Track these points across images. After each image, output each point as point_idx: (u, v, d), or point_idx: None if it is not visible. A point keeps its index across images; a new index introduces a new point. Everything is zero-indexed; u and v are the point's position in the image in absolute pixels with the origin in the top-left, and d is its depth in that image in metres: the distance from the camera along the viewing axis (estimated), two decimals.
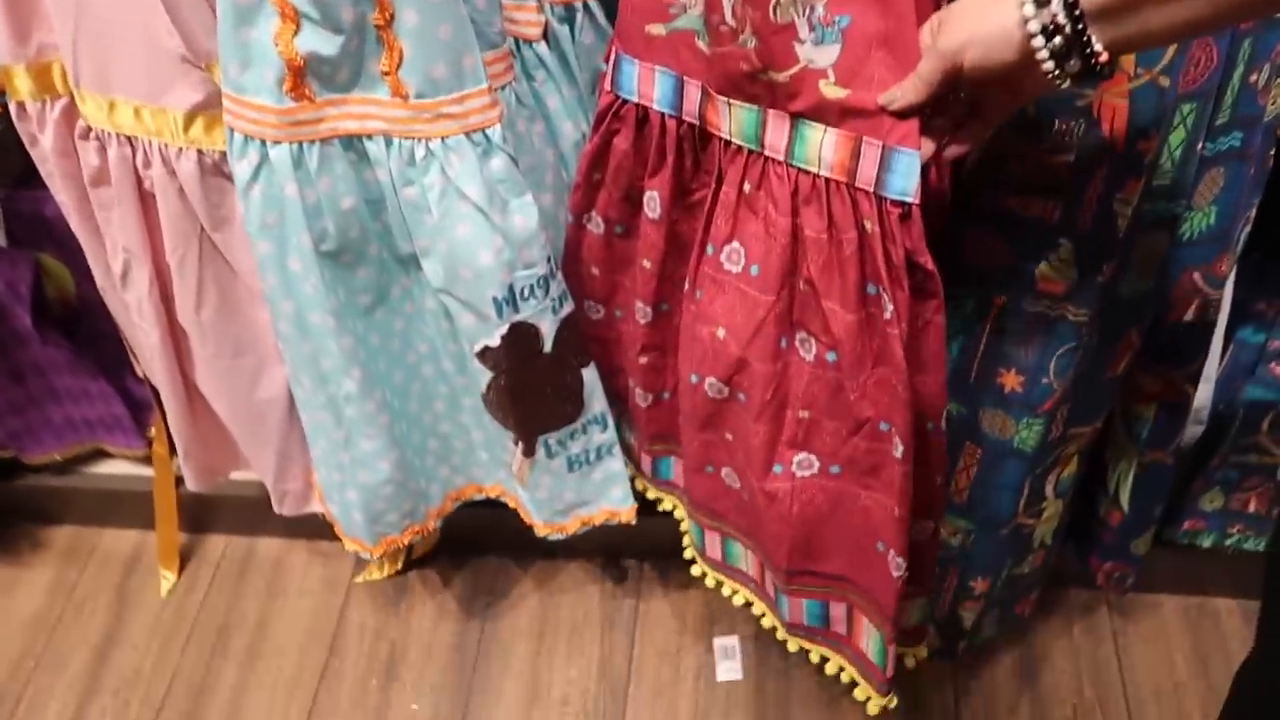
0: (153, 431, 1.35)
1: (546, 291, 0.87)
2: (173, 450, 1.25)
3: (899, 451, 0.77)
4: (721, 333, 0.83)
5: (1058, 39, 0.55)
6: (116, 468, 1.42)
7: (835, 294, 0.74)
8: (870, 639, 0.93)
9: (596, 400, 0.97)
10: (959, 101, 0.65)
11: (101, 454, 1.42)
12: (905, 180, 0.67)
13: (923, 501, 0.81)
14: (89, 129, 0.88)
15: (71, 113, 0.91)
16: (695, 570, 1.09)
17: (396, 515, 1.06)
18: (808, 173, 0.72)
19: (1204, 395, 1.00)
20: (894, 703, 0.96)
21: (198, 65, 0.83)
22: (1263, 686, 0.67)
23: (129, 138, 0.87)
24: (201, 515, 1.41)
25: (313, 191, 0.82)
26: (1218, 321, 0.90)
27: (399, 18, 0.73)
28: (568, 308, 0.91)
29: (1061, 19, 0.54)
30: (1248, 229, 0.84)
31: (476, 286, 0.85)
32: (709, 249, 0.82)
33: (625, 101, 0.80)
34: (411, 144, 0.79)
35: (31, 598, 1.37)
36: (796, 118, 0.71)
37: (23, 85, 0.88)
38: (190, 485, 1.21)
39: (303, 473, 1.15)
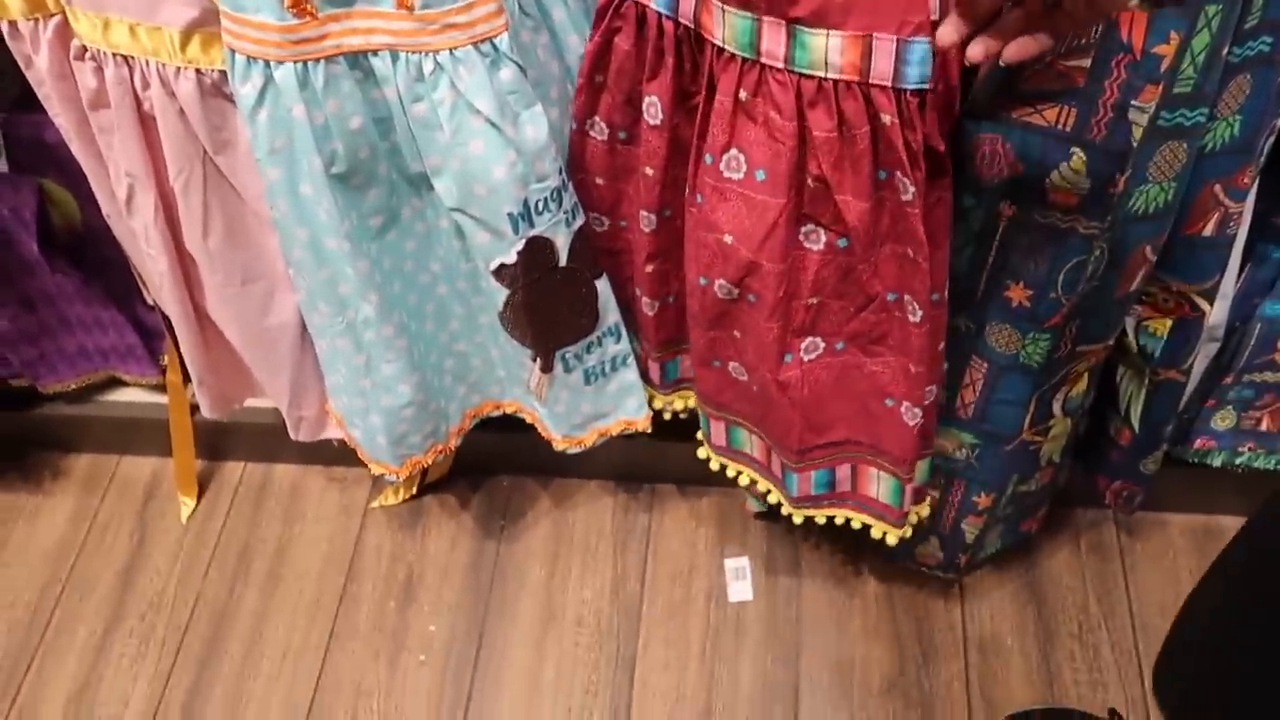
0: (165, 359, 1.36)
1: (560, 204, 0.86)
2: (186, 378, 1.26)
3: (917, 316, 0.82)
4: (729, 239, 0.82)
5: None
6: (132, 395, 1.43)
7: (848, 186, 0.76)
8: (881, 485, 0.99)
9: (610, 312, 0.98)
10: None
11: (117, 382, 1.43)
12: (922, 68, 0.68)
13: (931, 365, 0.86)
14: (84, 48, 0.86)
15: (65, 32, 0.89)
16: (701, 453, 1.10)
17: (419, 436, 1.07)
18: (811, 77, 0.71)
19: (1220, 312, 0.98)
20: (909, 532, 1.03)
21: None
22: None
23: (125, 57, 0.86)
24: (218, 442, 1.43)
25: (320, 113, 0.80)
26: (1237, 236, 0.88)
27: None
28: (580, 219, 0.90)
29: None
30: (1272, 139, 0.82)
31: (491, 203, 0.84)
32: (707, 158, 0.81)
33: (625, 0, 0.78)
34: (419, 58, 0.78)
35: (54, 526, 1.40)
36: (794, 25, 0.69)
37: (13, 3, 0.87)
38: (205, 413, 1.22)
39: (317, 399, 1.16)
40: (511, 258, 0.88)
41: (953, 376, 0.96)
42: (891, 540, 1.03)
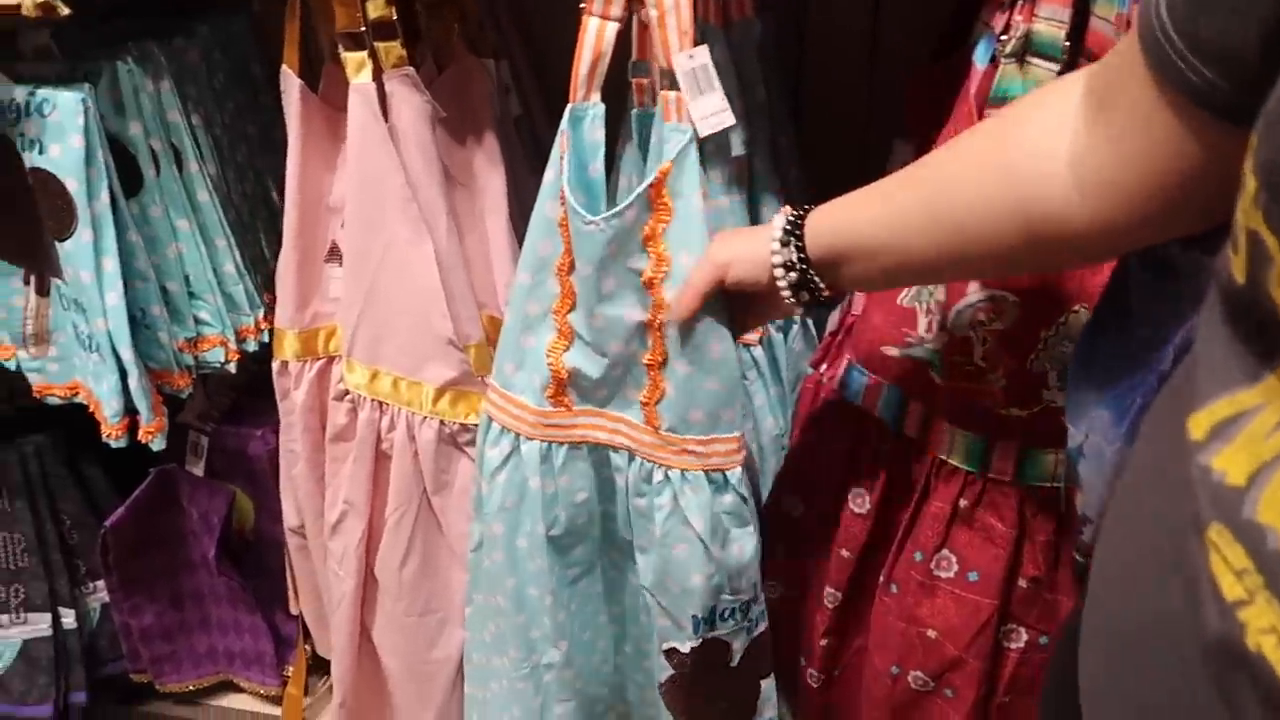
0: (289, 670, 1.36)
1: (746, 614, 0.87)
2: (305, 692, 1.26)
3: None
4: (933, 634, 0.85)
5: (793, 274, 0.67)
6: (242, 702, 1.41)
7: (1065, 585, 0.79)
8: None
9: (768, 708, 0.95)
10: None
11: (225, 687, 1.42)
12: None
13: None
14: (345, 392, 0.96)
15: (324, 374, 1.00)
16: None
17: None
18: (1039, 487, 0.77)
19: None
20: None
21: (459, 347, 0.92)
22: None
23: (381, 403, 0.95)
24: None
25: (553, 484, 0.86)
26: None
27: (670, 364, 0.78)
28: (762, 626, 0.90)
29: (795, 259, 0.67)
30: None
31: (681, 600, 0.85)
32: (916, 555, 0.86)
33: (849, 404, 0.87)
34: (652, 466, 0.83)
35: None
36: (1026, 447, 0.77)
37: (290, 347, 0.98)
38: None
39: None
40: (685, 648, 0.88)
41: None
42: None
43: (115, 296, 0.96)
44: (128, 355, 0.98)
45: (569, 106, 0.76)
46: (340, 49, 0.82)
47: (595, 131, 0.76)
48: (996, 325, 0.74)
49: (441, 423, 0.95)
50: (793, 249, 0.67)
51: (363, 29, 0.80)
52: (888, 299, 0.80)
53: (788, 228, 0.67)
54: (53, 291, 1.03)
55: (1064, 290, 0.71)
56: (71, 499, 1.25)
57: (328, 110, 0.91)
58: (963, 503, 0.81)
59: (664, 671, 0.92)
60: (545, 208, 0.79)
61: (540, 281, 0.81)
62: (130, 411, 1.02)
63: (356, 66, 0.82)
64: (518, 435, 0.86)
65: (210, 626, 1.33)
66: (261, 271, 1.16)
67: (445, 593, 1.05)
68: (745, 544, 0.84)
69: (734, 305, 0.76)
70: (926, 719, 0.89)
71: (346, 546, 1.03)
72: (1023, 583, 0.81)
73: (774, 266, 0.68)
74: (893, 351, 0.81)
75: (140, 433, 1.03)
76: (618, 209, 0.74)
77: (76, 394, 1.08)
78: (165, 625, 1.30)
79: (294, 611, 1.30)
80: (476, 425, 0.95)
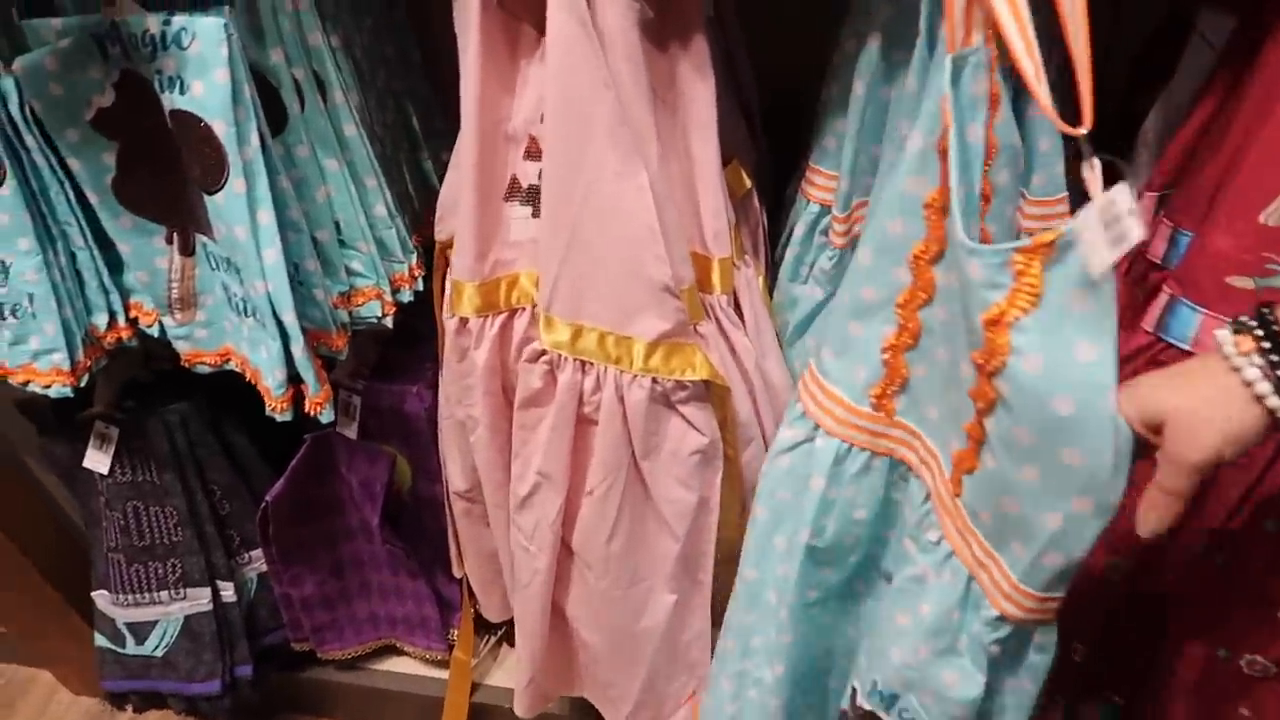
0: (453, 635, 1.29)
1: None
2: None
3: None
4: None
5: None
6: (405, 666, 1.35)
7: None
8: None
9: None
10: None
11: (389, 651, 1.36)
12: None
13: None
14: (541, 352, 0.84)
15: (507, 330, 0.88)
16: None
17: None
18: None
19: None
20: None
21: (675, 294, 0.79)
22: None
23: (584, 363, 0.83)
24: None
25: (835, 491, 0.74)
26: None
27: (985, 451, 0.62)
28: None
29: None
30: None
31: (874, 658, 0.77)
32: (1267, 524, 0.72)
33: (1168, 346, 0.72)
34: (934, 520, 0.70)
35: None
36: None
37: (470, 302, 0.86)
38: (521, 711, 1.11)
39: (657, 699, 1.06)
40: (851, 710, 0.80)
41: None
42: None
43: (274, 254, 0.84)
44: (290, 319, 0.87)
45: (947, 57, 0.56)
46: None
47: (977, 84, 0.57)
48: None
49: (654, 381, 0.82)
50: (1265, 364, 0.50)
51: None
52: (1241, 216, 0.64)
53: (1266, 344, 0.50)
54: (199, 249, 0.92)
55: None
56: (220, 467, 1.17)
57: (506, 20, 0.76)
58: None
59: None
60: (905, 183, 0.61)
61: (883, 267, 0.65)
62: (294, 381, 0.92)
63: None
64: (817, 426, 0.73)
65: (371, 593, 1.26)
66: (409, 210, 1.04)
67: (652, 560, 0.94)
68: (956, 676, 0.69)
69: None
70: (1259, 708, 0.77)
71: (540, 521, 0.92)
72: None
73: (1259, 397, 0.50)
74: (1244, 284, 0.66)
75: (307, 404, 0.92)
76: (997, 250, 0.55)
77: (229, 360, 0.98)
78: (326, 594, 1.23)
79: (457, 574, 1.22)
80: (692, 382, 0.83)
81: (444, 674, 1.31)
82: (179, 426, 1.13)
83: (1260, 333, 0.50)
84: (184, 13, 0.78)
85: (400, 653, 1.34)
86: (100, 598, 1.23)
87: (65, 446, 1.15)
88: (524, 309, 0.87)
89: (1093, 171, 0.51)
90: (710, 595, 1.00)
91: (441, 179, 1.10)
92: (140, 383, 1.17)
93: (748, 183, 0.90)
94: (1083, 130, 0.51)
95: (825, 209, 0.89)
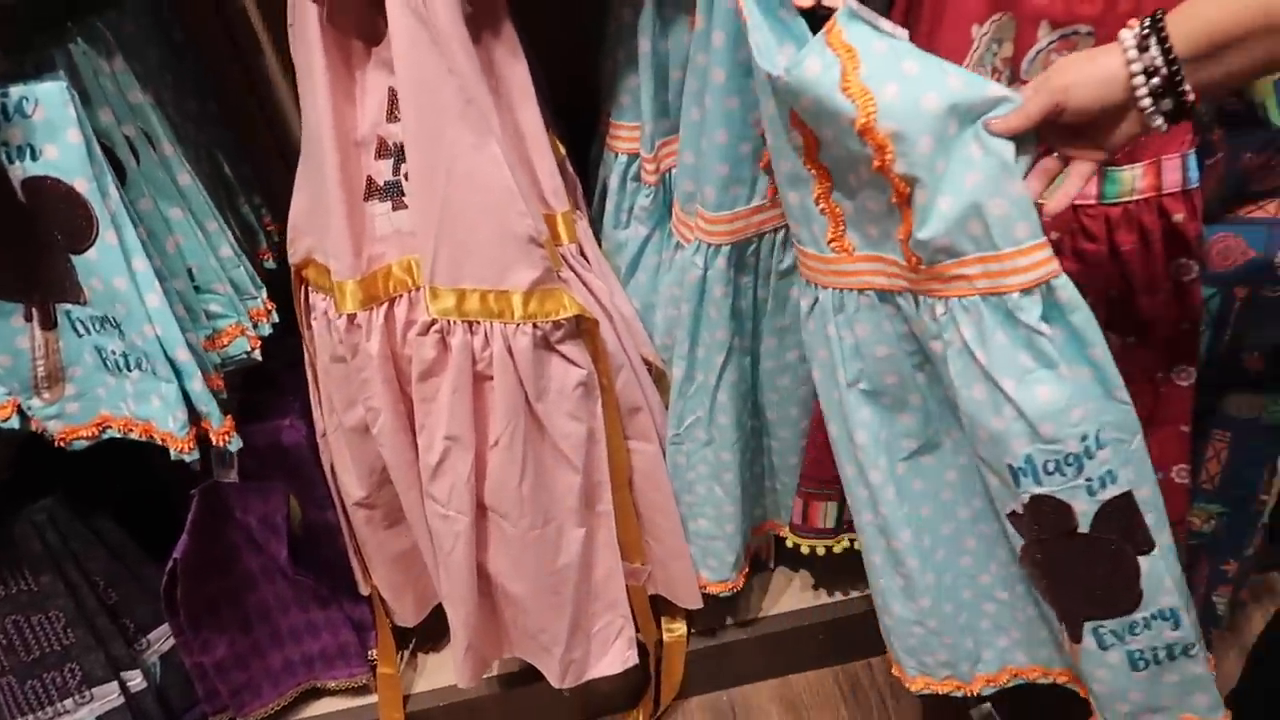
0: (373, 654, 1.32)
1: (1079, 470, 0.80)
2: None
3: (1190, 379, 0.97)
4: None
5: (1156, 79, 0.65)
6: (327, 707, 1.36)
7: (1144, 284, 0.92)
8: None
9: (1163, 594, 0.85)
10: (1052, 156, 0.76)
11: (308, 697, 1.36)
12: (1196, 171, 0.87)
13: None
14: (431, 323, 0.94)
15: (390, 318, 0.97)
16: None
17: (933, 660, 1.02)
18: (1117, 204, 0.88)
19: None
20: None
21: (540, 244, 0.91)
22: None
23: (471, 324, 0.93)
24: None
25: (850, 334, 0.89)
26: None
27: (914, 198, 0.76)
28: (1113, 490, 0.82)
29: (1159, 62, 0.65)
30: None
31: (992, 450, 0.82)
32: None
33: None
34: (933, 302, 0.81)
35: None
36: (1105, 167, 0.82)
37: (354, 297, 0.94)
38: (464, 682, 1.18)
39: (585, 639, 1.16)
40: (1019, 508, 0.84)
41: (1195, 453, 1.09)
42: None
43: (156, 298, 0.88)
44: (184, 356, 0.91)
45: None
46: None
47: None
48: None
49: (535, 325, 0.94)
50: (1155, 50, 0.64)
51: None
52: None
53: (1143, 30, 0.65)
54: (61, 319, 0.93)
55: (1126, 11, 0.80)
56: (97, 557, 1.15)
57: (340, 38, 0.86)
58: (1053, 234, 0.90)
59: (1016, 544, 0.89)
60: (758, 73, 0.79)
61: (782, 138, 0.82)
62: (193, 421, 0.95)
63: None
64: (816, 285, 0.89)
65: (283, 639, 1.27)
66: (246, 250, 1.09)
67: (555, 498, 1.05)
68: (1049, 385, 0.77)
69: (1066, 139, 0.73)
70: None
71: (455, 483, 1.01)
72: (1112, 293, 0.93)
73: (1132, 76, 0.65)
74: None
75: (214, 437, 0.96)
76: (798, 58, 0.74)
77: (108, 428, 1.00)
78: (239, 652, 1.23)
79: (364, 592, 1.26)
80: (566, 321, 0.96)
81: (371, 699, 1.34)
82: (48, 525, 1.10)
83: (1146, 23, 0.65)
84: (18, 83, 0.81)
85: (322, 694, 1.35)
86: None
87: None
88: (401, 296, 0.96)
89: None
90: (615, 530, 1.12)
91: (260, 221, 1.16)
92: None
93: (562, 149, 1.04)
94: None
95: (633, 156, 1.05)
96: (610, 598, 1.16)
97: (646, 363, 1.10)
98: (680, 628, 1.33)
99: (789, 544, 1.23)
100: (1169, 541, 0.85)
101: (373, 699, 1.33)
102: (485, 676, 1.31)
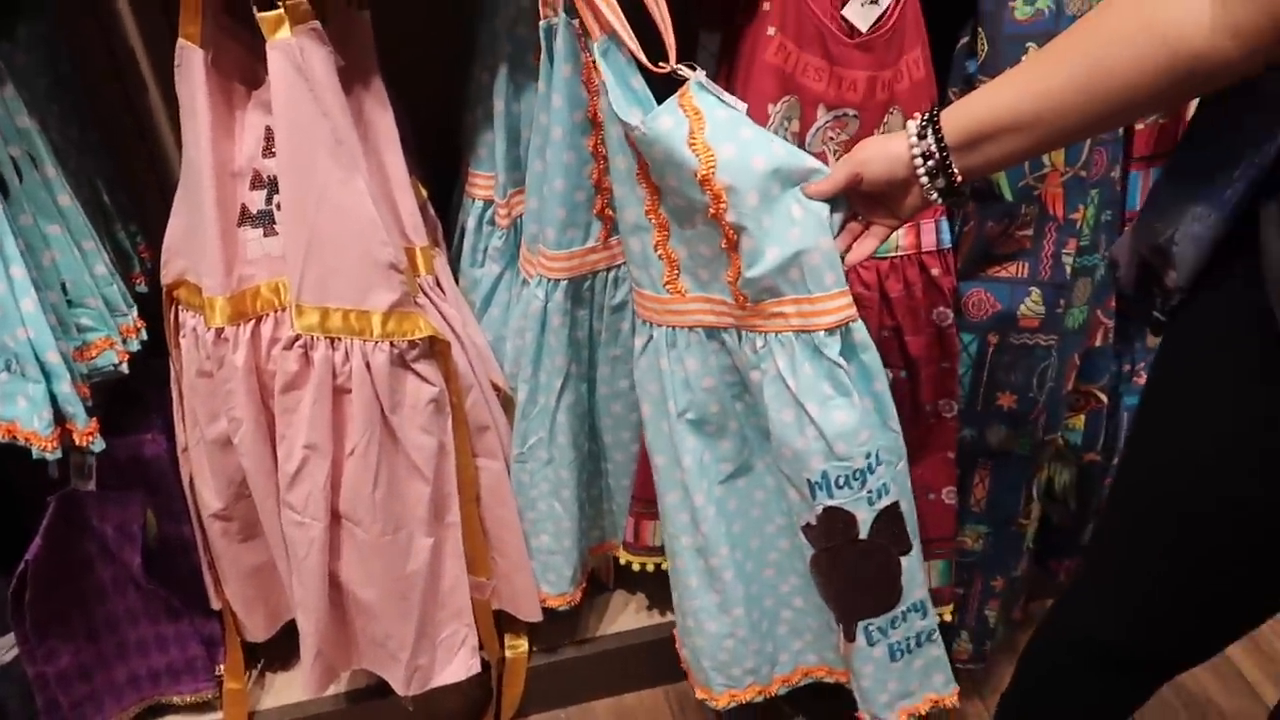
0: (221, 668, 1.36)
1: (863, 484, 0.95)
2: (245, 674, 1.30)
3: (952, 412, 1.15)
4: None
5: (931, 161, 0.80)
6: None
7: (911, 326, 1.09)
8: (934, 573, 1.25)
9: (916, 588, 1.03)
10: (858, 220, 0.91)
11: (150, 714, 1.38)
12: (949, 235, 1.08)
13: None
14: (295, 339, 1.03)
15: (256, 335, 1.06)
16: None
17: (739, 670, 1.14)
18: (885, 258, 1.07)
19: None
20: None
21: (399, 270, 1.03)
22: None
23: (333, 340, 1.03)
24: None
25: (681, 368, 1.01)
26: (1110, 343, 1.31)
27: (741, 244, 0.90)
28: (886, 500, 0.98)
29: (934, 148, 0.79)
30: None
31: (794, 466, 0.97)
32: None
33: None
34: (754, 336, 0.95)
35: None
36: None
37: (223, 313, 1.03)
38: (311, 690, 1.24)
39: (431, 647, 1.25)
40: (813, 519, 0.98)
41: (964, 480, 1.27)
42: (947, 617, 1.28)
43: (30, 302, 0.95)
44: (54, 359, 0.98)
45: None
46: (255, 9, 0.89)
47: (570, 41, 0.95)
48: (844, 138, 1.00)
49: (392, 344, 1.05)
50: (930, 139, 0.78)
51: None
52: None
53: (923, 123, 0.79)
54: None
55: (882, 100, 0.99)
56: None
57: (223, 81, 0.97)
58: None
59: (808, 552, 1.03)
60: (613, 130, 0.92)
61: (629, 191, 0.95)
62: (58, 422, 1.01)
63: (275, 24, 0.90)
64: (651, 324, 1.01)
65: (129, 653, 1.30)
66: (120, 272, 1.16)
67: (408, 506, 1.14)
68: (847, 412, 0.93)
69: (868, 206, 0.88)
70: None
71: (311, 490, 1.09)
72: (884, 333, 1.10)
73: (913, 158, 0.79)
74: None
75: (77, 437, 1.02)
76: (655, 113, 0.88)
77: None
78: (83, 663, 1.26)
79: (216, 606, 1.31)
80: (420, 341, 1.07)
81: (215, 716, 1.37)
82: None
83: (925, 115, 0.79)
84: None
85: (164, 711, 1.38)
86: None
87: None
88: (268, 315, 1.06)
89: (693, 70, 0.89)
90: (461, 542, 1.22)
91: (135, 248, 1.24)
92: None
93: (424, 192, 1.16)
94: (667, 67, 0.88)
95: (488, 202, 1.19)
96: (455, 606, 1.25)
97: (495, 388, 1.22)
98: (522, 644, 1.42)
99: (623, 561, 1.35)
100: (919, 546, 1.03)
101: (217, 716, 1.37)
102: (331, 693, 1.37)
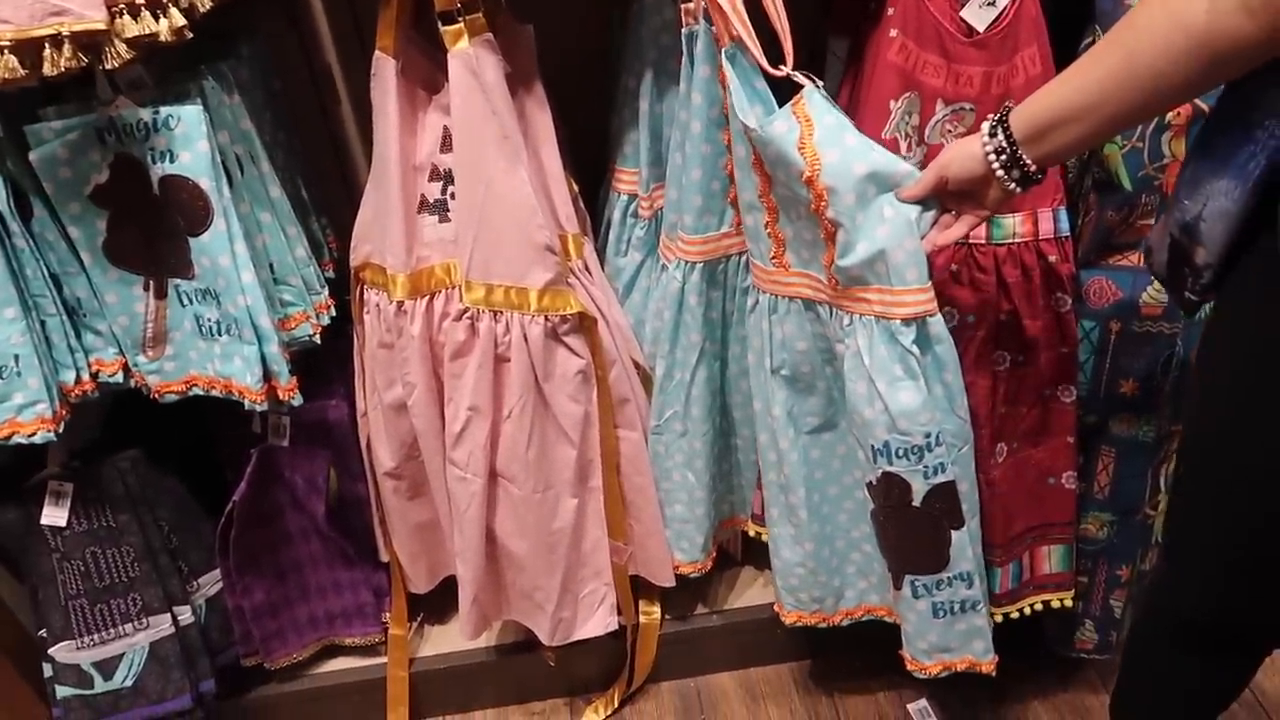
0: (387, 616, 1.52)
1: (920, 459, 1.06)
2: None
3: (1071, 397, 1.19)
4: None
5: (1004, 156, 0.87)
6: (342, 664, 1.55)
7: (1028, 311, 1.15)
8: (1053, 558, 1.29)
9: (964, 560, 1.13)
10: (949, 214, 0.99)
11: (327, 654, 1.55)
12: (1067, 223, 1.13)
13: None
14: (464, 311, 1.17)
15: (430, 308, 1.21)
16: None
17: (806, 596, 1.31)
18: (1003, 245, 1.13)
19: None
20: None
21: (554, 251, 1.16)
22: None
23: (496, 313, 1.17)
24: (414, 701, 1.54)
25: (779, 331, 1.15)
26: None
27: (836, 235, 1.02)
28: (943, 477, 1.08)
29: (1004, 144, 0.87)
30: None
31: (862, 432, 1.09)
32: None
33: None
34: (842, 314, 1.08)
35: None
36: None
37: (404, 288, 1.18)
38: (467, 635, 1.38)
39: (574, 601, 1.37)
40: (874, 479, 1.11)
41: (1087, 466, 1.30)
42: (1068, 603, 1.31)
43: (250, 275, 1.13)
44: (266, 324, 1.15)
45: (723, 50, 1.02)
46: (440, 25, 1.05)
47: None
48: (961, 130, 1.07)
49: (546, 318, 1.18)
50: (1001, 136, 0.86)
51: (457, 6, 1.03)
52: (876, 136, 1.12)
53: (994, 122, 0.87)
54: (170, 292, 1.17)
55: (997, 94, 1.06)
56: (167, 505, 1.37)
57: (409, 86, 1.13)
58: (953, 266, 1.14)
59: (869, 506, 1.16)
60: (735, 122, 1.04)
61: (746, 175, 1.08)
62: (266, 379, 1.18)
63: (456, 36, 1.05)
64: (759, 289, 1.15)
65: (309, 594, 1.47)
66: (317, 256, 1.34)
67: (556, 468, 1.27)
68: (910, 392, 1.04)
69: (958, 201, 0.96)
70: None
71: (473, 449, 1.23)
72: (1001, 316, 1.16)
73: (988, 154, 0.87)
74: None
75: (281, 393, 1.19)
76: (771, 118, 1.00)
77: (194, 386, 1.22)
78: (273, 600, 1.43)
79: (385, 558, 1.47)
80: (571, 316, 1.19)
81: (380, 660, 1.53)
82: (130, 471, 1.32)
83: (996, 115, 0.88)
84: (167, 105, 1.07)
85: (337, 652, 1.55)
86: (60, 651, 1.36)
87: (16, 512, 1.31)
88: (440, 292, 1.20)
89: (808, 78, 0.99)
90: (602, 504, 1.34)
91: (325, 238, 1.42)
92: (79, 448, 1.35)
93: (575, 187, 1.30)
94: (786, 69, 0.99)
95: (632, 196, 1.31)
96: (596, 566, 1.36)
97: (636, 365, 1.33)
98: (655, 611, 1.52)
99: (751, 534, 1.44)
100: (976, 527, 1.16)
101: (382, 660, 1.53)
102: (483, 644, 1.51)
